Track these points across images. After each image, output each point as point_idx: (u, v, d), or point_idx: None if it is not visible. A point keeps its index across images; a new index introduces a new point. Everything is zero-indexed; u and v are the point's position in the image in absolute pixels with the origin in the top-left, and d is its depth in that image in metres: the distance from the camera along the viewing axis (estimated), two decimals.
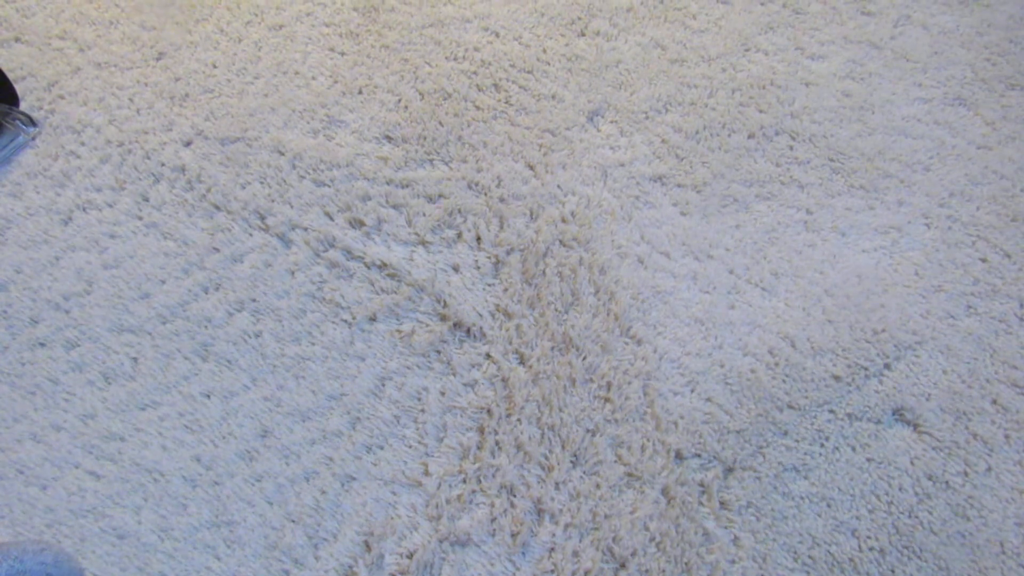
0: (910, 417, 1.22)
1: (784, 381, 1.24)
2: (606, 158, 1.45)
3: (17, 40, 1.55)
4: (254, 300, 1.27)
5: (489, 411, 1.19)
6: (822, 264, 1.35)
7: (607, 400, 1.21)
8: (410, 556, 1.08)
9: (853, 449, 1.19)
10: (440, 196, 1.39)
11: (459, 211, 1.38)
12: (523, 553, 1.10)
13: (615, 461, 1.16)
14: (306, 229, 1.34)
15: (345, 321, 1.26)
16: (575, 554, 1.09)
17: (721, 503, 1.15)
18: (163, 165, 1.41)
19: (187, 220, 1.35)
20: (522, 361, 1.24)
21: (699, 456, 1.18)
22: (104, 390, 1.19)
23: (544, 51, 1.59)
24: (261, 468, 1.14)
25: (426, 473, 1.14)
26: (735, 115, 1.51)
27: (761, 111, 1.52)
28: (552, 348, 1.25)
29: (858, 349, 1.27)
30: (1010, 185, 1.45)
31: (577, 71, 1.56)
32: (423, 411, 1.19)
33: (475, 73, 1.55)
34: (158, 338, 1.24)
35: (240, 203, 1.37)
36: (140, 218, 1.35)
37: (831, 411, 1.22)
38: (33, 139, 1.28)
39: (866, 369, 1.25)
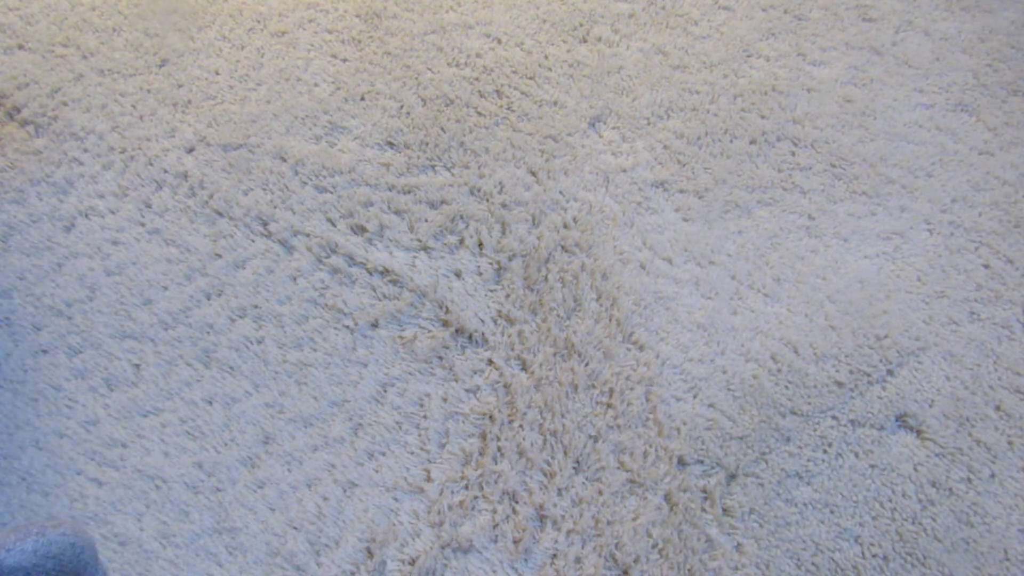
0: (913, 423, 1.22)
1: (787, 387, 1.24)
2: (608, 164, 1.45)
3: (20, 47, 1.55)
4: (256, 306, 1.28)
5: (491, 417, 1.19)
6: (824, 270, 1.35)
7: (609, 406, 1.20)
8: (412, 563, 1.08)
9: (856, 455, 1.19)
10: (442, 202, 1.39)
11: (461, 217, 1.38)
12: (525, 560, 1.09)
13: (617, 467, 1.16)
14: (308, 235, 1.34)
15: (347, 327, 1.26)
16: (578, 561, 1.09)
17: (724, 509, 1.14)
18: (166, 172, 1.41)
19: (189, 226, 1.35)
20: (524, 367, 1.24)
21: (702, 462, 1.18)
22: (106, 396, 1.19)
23: (546, 57, 1.59)
24: (263, 474, 1.14)
25: (428, 479, 1.14)
26: (737, 121, 1.51)
27: (763, 117, 1.52)
28: (554, 354, 1.25)
29: (861, 355, 1.27)
30: (1012, 191, 1.45)
31: (579, 77, 1.56)
32: (425, 417, 1.19)
33: (477, 79, 1.55)
34: (160, 344, 1.24)
35: (242, 209, 1.37)
36: (143, 224, 1.35)
37: (834, 417, 1.22)
38: None
39: (869, 375, 1.25)
